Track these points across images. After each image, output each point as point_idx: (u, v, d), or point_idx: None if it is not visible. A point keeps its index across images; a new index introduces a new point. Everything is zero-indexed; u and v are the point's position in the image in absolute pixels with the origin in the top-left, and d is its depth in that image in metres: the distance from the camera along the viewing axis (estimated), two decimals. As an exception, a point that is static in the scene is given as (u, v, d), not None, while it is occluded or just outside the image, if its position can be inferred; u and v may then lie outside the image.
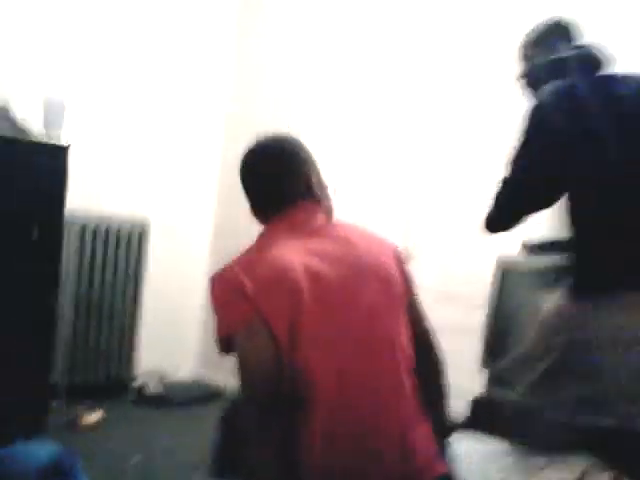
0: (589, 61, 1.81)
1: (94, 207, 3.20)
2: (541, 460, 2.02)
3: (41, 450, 1.90)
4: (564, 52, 1.84)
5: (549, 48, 1.89)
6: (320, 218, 1.40)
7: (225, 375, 3.66)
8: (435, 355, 1.48)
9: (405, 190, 3.80)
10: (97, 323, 3.24)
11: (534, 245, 2.32)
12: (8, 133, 2.52)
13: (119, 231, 3.29)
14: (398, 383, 1.32)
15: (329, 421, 1.22)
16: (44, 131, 2.66)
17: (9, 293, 2.52)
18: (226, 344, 1.27)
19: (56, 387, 3.02)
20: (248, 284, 1.23)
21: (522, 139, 1.82)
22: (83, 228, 3.15)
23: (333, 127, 3.58)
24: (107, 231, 3.24)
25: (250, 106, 3.83)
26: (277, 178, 1.42)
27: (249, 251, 1.37)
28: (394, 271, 1.38)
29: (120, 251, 3.30)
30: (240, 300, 1.23)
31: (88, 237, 3.17)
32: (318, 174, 1.46)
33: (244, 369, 1.23)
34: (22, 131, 2.57)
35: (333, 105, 3.59)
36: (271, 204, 1.42)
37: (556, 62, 1.82)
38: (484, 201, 3.00)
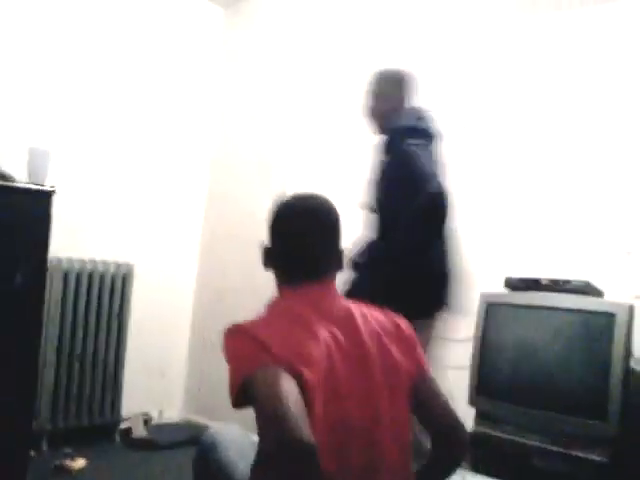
0: (429, 134, 2.33)
1: (78, 252, 3.20)
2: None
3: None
4: (421, 122, 2.32)
5: (397, 97, 2.37)
6: (338, 294, 1.40)
7: (211, 417, 3.63)
8: (457, 435, 1.40)
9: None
10: (81, 367, 3.20)
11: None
12: (-9, 180, 2.53)
13: (103, 275, 3.28)
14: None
15: None
16: (29, 179, 2.68)
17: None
18: (241, 395, 1.17)
19: (40, 433, 2.98)
20: (269, 342, 1.19)
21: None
22: (67, 272, 3.14)
23: (316, 175, 3.62)
24: (91, 275, 3.22)
25: (234, 153, 3.86)
26: (316, 247, 1.40)
27: (271, 317, 1.33)
28: (397, 356, 1.35)
29: (104, 295, 3.28)
30: (259, 351, 1.18)
31: (72, 281, 3.15)
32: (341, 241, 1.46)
33: (268, 405, 1.06)
34: (6, 177, 2.58)
35: (317, 153, 3.62)
36: (303, 271, 1.39)
37: (411, 128, 2.27)
38: (462, 241, 3.02)
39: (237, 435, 1.54)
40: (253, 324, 1.27)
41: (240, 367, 1.19)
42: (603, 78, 2.96)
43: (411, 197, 2.08)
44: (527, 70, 3.23)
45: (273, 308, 1.37)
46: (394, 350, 1.35)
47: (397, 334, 1.39)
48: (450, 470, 1.44)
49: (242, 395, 1.16)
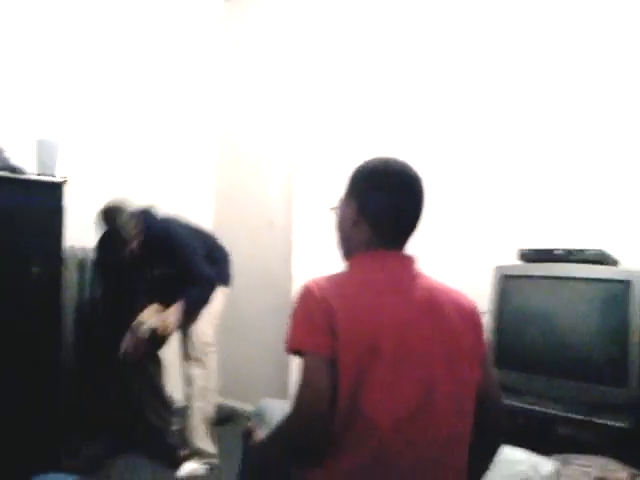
0: None
1: (92, 242, 3.21)
2: (558, 459, 2.02)
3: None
4: None
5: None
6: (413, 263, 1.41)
7: (237, 399, 3.68)
8: (495, 421, 1.41)
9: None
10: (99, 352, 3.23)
11: None
12: (3, 172, 2.54)
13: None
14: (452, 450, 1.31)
15: (370, 464, 1.22)
16: (38, 171, 2.69)
17: (12, 328, 2.53)
18: (294, 352, 1.29)
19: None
20: (337, 318, 1.23)
21: None
22: (82, 262, 3.16)
23: (320, 161, 3.61)
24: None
25: (240, 141, 3.86)
26: (413, 214, 1.41)
27: (351, 277, 1.36)
28: (469, 340, 1.36)
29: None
30: (323, 330, 1.23)
31: (87, 271, 3.18)
32: None
33: (303, 386, 1.24)
34: (16, 170, 2.59)
35: (320, 139, 3.61)
36: (393, 235, 1.40)
37: None
38: (476, 213, 3.02)
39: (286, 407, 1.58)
40: (329, 291, 1.28)
41: (299, 336, 1.28)
42: (611, 58, 2.93)
43: None
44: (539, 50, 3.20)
45: (352, 273, 1.38)
46: (465, 332, 1.35)
47: (467, 312, 1.39)
48: (487, 453, 1.43)
49: (294, 351, 1.29)
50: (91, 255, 3.20)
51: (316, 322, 1.25)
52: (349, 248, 1.44)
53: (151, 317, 2.84)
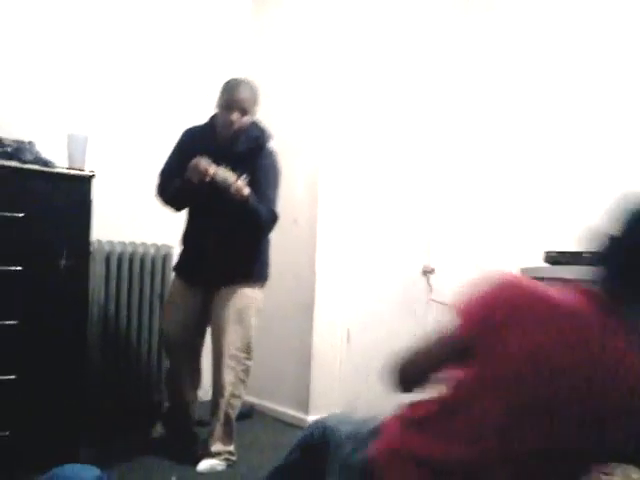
0: None
1: (119, 235, 3.26)
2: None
3: (87, 471, 2.07)
4: None
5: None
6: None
7: (258, 396, 3.69)
8: None
9: (426, 207, 3.81)
10: (125, 346, 3.29)
11: None
12: (33, 165, 2.58)
13: (144, 257, 3.34)
14: None
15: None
16: (68, 165, 2.73)
17: (39, 320, 2.57)
18: (455, 313, 1.31)
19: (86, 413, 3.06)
20: (505, 326, 1.22)
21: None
22: (109, 255, 3.21)
23: (348, 140, 3.60)
24: (132, 257, 3.29)
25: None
26: None
27: (554, 303, 1.23)
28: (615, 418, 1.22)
29: (145, 276, 3.35)
30: (485, 322, 1.25)
31: (114, 264, 3.22)
32: None
33: (427, 342, 1.35)
34: (47, 163, 2.64)
35: (348, 133, 3.59)
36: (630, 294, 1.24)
37: None
38: (501, 215, 2.98)
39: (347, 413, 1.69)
40: (520, 300, 1.25)
41: (468, 311, 1.30)
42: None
43: None
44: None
45: (559, 298, 1.24)
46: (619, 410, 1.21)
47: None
48: None
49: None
50: (118, 249, 3.25)
51: (486, 313, 1.26)
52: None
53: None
